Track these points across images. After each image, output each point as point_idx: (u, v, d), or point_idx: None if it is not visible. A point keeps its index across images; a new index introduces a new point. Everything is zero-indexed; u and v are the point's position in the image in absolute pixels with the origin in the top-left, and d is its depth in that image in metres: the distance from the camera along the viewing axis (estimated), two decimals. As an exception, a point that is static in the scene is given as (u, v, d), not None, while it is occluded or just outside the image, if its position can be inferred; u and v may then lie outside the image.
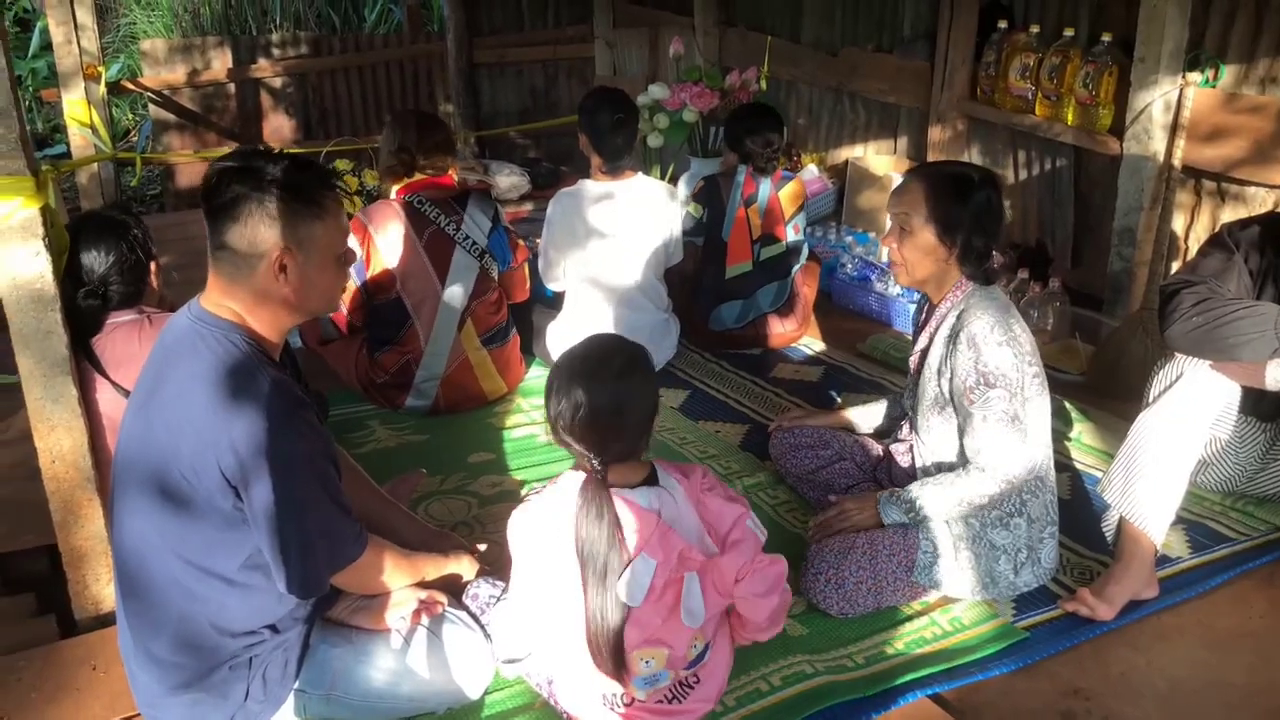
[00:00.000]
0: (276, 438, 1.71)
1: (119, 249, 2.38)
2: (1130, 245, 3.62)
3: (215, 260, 1.81)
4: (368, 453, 3.04)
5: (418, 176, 3.21)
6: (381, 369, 3.24)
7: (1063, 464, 2.93)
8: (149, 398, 1.79)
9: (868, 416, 2.76)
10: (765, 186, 3.71)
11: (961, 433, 2.29)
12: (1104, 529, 2.42)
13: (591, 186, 3.46)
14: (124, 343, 2.33)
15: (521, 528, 1.90)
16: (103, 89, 5.41)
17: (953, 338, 2.27)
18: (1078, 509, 2.71)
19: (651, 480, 1.88)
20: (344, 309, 3.22)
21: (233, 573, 1.79)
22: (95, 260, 2.36)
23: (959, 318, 2.28)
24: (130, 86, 5.99)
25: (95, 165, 5.16)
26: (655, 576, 1.79)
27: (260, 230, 1.76)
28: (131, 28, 8.43)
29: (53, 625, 2.31)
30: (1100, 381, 3.39)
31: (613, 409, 1.77)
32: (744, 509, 1.96)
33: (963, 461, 2.29)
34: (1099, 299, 3.82)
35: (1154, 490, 2.27)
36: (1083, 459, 3.00)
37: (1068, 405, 3.21)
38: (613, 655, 1.80)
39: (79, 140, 5.19)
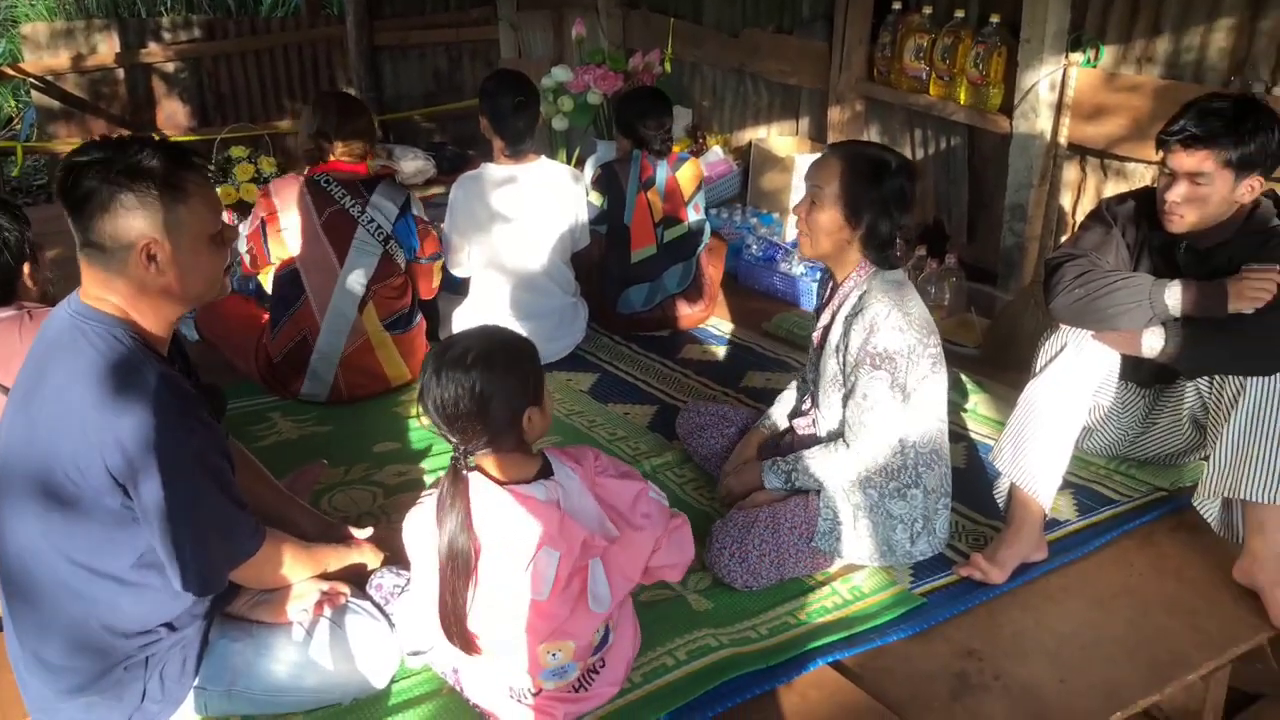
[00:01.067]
0: (166, 434, 1.67)
1: None
2: (1021, 221, 3.75)
3: (84, 256, 1.75)
4: (270, 445, 2.99)
5: (332, 160, 3.19)
6: (278, 346, 3.21)
7: (959, 434, 3.03)
8: (30, 395, 1.73)
9: (782, 410, 2.76)
10: (662, 169, 3.73)
11: (844, 403, 2.35)
12: (995, 495, 2.51)
13: (494, 170, 3.44)
14: (3, 339, 2.24)
15: (414, 527, 1.90)
16: (-20, 75, 5.18)
17: (852, 318, 2.32)
18: (973, 477, 2.80)
19: (546, 472, 1.88)
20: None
21: (124, 572, 1.75)
22: None
23: (860, 298, 2.32)
24: (10, 72, 5.73)
25: (-25, 155, 4.95)
26: (559, 568, 1.80)
27: (121, 222, 1.70)
28: (11, 10, 8.06)
29: (-63, 635, 2.23)
30: (995, 354, 3.50)
31: (462, 398, 1.75)
32: (642, 483, 1.98)
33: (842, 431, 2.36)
34: (993, 273, 3.94)
35: (1042, 457, 2.37)
36: (978, 429, 3.10)
37: (964, 378, 3.31)
38: (461, 633, 1.82)
39: (-43, 129, 4.97)
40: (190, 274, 1.78)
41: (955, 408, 3.16)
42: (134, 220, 1.70)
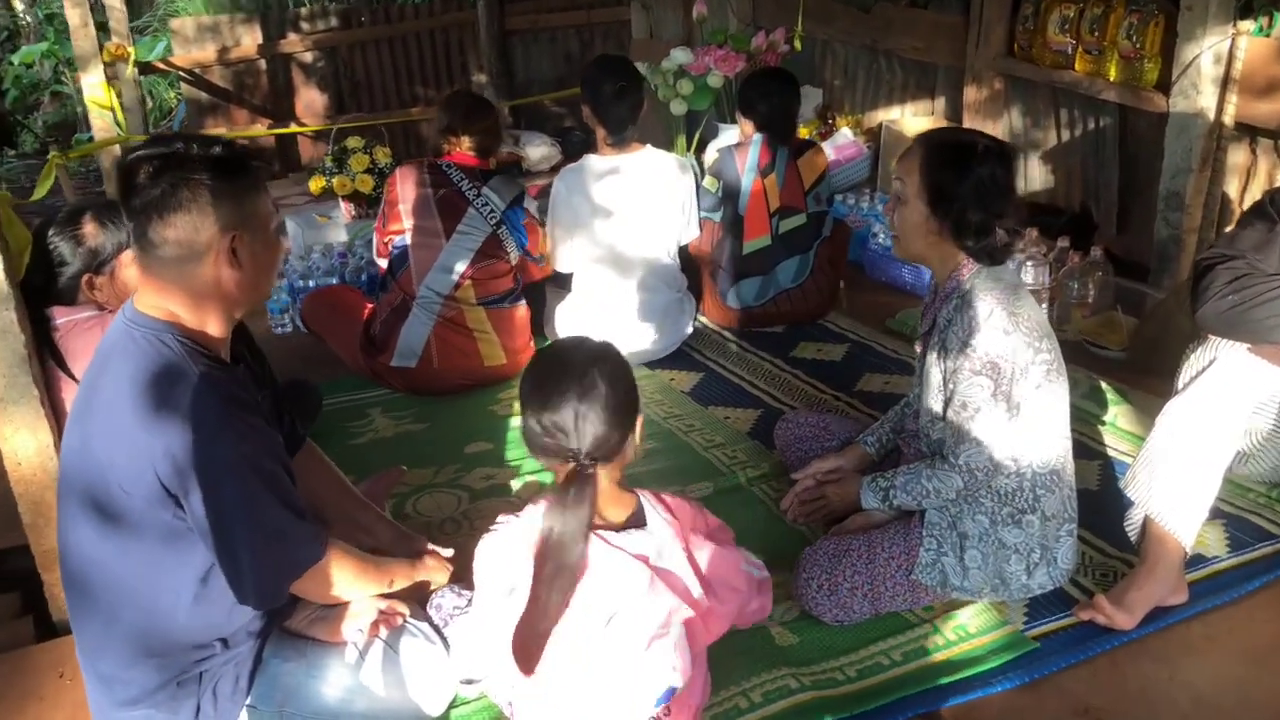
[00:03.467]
0: (214, 441, 1.62)
1: (45, 254, 2.29)
2: (1178, 210, 3.37)
3: (149, 260, 1.70)
4: (365, 443, 2.97)
5: (457, 153, 3.26)
6: (381, 311, 3.27)
7: (1094, 450, 2.74)
8: (84, 407, 1.71)
9: (889, 428, 2.53)
10: (783, 156, 3.52)
11: (944, 411, 2.13)
12: (1127, 528, 2.22)
13: (596, 162, 3.32)
14: (86, 338, 2.26)
15: (488, 555, 1.78)
16: (130, 69, 5.40)
17: (952, 319, 2.09)
18: (1107, 501, 2.50)
19: (639, 520, 1.74)
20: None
21: (179, 586, 1.71)
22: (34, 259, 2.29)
23: (963, 299, 2.10)
24: (160, 66, 5.97)
25: (117, 148, 5.14)
26: (639, 631, 1.66)
27: (206, 217, 1.65)
28: (171, 5, 8.43)
29: (29, 627, 2.29)
30: (1143, 357, 3.17)
31: (582, 412, 1.62)
32: (735, 554, 1.86)
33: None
34: (1145, 268, 3.58)
35: (1182, 488, 2.08)
36: (1117, 445, 2.79)
37: (1104, 385, 3.00)
38: (528, 656, 1.66)
39: (100, 124, 5.18)
40: (262, 267, 1.75)
41: (1092, 420, 2.87)
42: (221, 214, 1.66)
